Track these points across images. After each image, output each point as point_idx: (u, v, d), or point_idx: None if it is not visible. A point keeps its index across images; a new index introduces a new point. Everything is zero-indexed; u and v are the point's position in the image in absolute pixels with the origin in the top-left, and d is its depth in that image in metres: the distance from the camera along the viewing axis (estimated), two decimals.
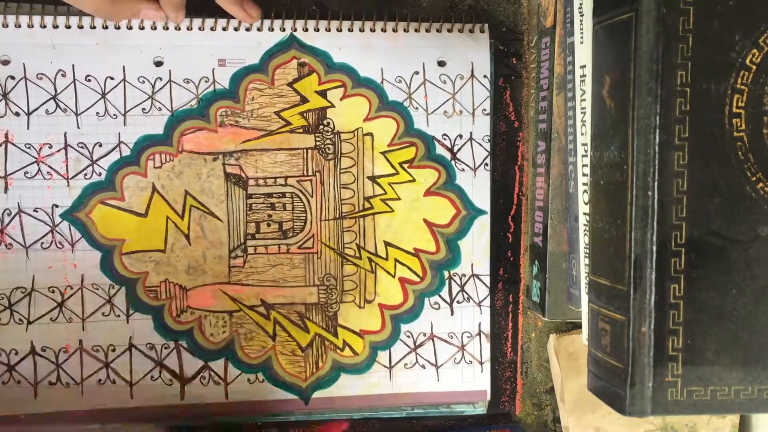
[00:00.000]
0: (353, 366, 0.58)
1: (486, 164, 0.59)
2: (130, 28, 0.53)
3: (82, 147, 0.54)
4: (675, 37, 0.42)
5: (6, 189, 0.53)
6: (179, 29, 0.54)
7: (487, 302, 0.60)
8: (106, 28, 0.53)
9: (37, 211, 0.53)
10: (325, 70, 0.56)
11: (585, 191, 0.51)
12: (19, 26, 0.52)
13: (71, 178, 0.54)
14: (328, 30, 0.56)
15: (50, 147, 0.53)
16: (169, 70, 0.54)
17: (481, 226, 0.59)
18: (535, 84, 0.59)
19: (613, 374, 0.44)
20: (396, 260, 0.58)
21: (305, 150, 0.56)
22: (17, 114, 0.53)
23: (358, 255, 0.58)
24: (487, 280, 0.59)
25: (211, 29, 0.54)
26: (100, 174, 0.54)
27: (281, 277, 0.57)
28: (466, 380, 0.60)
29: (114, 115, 0.54)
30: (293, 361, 0.57)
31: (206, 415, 0.56)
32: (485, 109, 0.59)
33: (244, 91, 0.55)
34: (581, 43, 0.50)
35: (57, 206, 0.54)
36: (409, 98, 0.58)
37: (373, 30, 0.56)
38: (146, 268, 0.55)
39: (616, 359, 0.44)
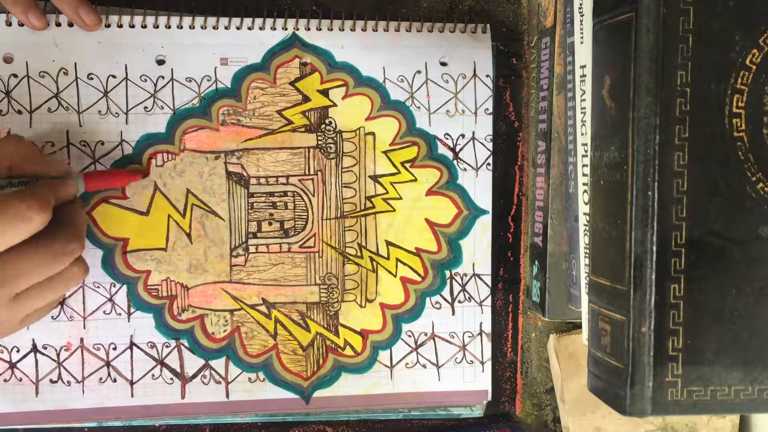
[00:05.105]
0: (354, 365, 0.58)
1: (488, 164, 0.59)
2: (132, 26, 0.53)
3: (84, 145, 0.54)
4: (675, 37, 0.42)
5: None
6: (181, 27, 0.54)
7: (489, 302, 0.60)
8: (109, 26, 0.53)
9: None
10: (327, 69, 0.56)
11: (585, 191, 0.51)
12: (22, 24, 0.52)
13: None
14: (330, 29, 0.56)
15: (52, 145, 0.53)
16: (171, 69, 0.54)
17: (483, 226, 0.59)
18: (535, 84, 0.59)
19: (613, 374, 0.44)
20: (397, 260, 0.58)
21: (307, 149, 0.56)
22: (19, 112, 0.53)
23: (359, 254, 0.58)
24: (488, 279, 0.59)
25: (214, 28, 0.54)
26: None
27: (282, 276, 0.57)
28: (468, 380, 0.60)
29: (116, 113, 0.54)
30: (294, 361, 0.57)
31: (207, 414, 0.57)
32: (487, 109, 0.59)
33: (246, 89, 0.55)
34: (581, 43, 0.50)
35: None
36: (411, 98, 0.58)
37: (375, 29, 0.56)
38: (148, 267, 0.55)
39: (616, 359, 0.44)
